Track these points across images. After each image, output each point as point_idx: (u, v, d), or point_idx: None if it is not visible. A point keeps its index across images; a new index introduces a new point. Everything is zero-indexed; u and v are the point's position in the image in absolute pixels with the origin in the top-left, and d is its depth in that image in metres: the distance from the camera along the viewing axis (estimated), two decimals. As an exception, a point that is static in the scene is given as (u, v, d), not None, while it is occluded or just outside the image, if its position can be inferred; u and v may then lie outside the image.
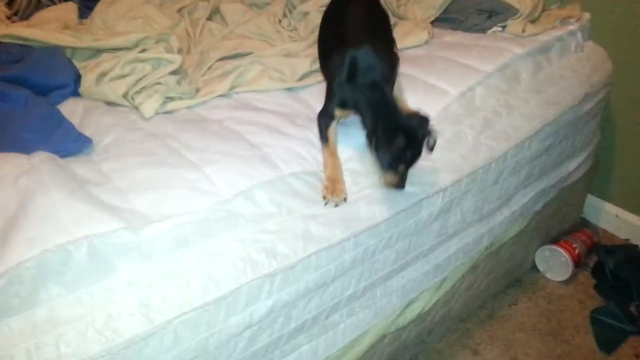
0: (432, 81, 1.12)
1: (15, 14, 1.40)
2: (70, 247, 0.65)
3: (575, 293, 1.48)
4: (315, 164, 0.89)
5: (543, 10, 1.41)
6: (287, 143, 0.90)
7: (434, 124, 0.91)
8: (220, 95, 1.08)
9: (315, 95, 1.08)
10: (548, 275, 1.52)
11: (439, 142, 0.97)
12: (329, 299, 0.93)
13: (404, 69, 1.17)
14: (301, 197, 0.83)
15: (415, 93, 1.06)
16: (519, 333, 1.36)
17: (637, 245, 1.55)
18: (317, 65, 1.13)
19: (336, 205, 0.85)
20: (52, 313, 0.65)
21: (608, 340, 1.33)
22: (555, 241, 1.51)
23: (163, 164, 0.84)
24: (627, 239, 1.62)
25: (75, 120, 0.95)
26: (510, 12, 1.36)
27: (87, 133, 0.91)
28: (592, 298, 1.46)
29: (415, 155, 0.87)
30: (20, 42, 1.15)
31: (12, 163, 0.76)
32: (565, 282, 1.50)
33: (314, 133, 0.94)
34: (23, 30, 1.18)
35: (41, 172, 0.74)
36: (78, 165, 0.82)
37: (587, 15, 1.40)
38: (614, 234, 1.67)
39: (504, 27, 1.36)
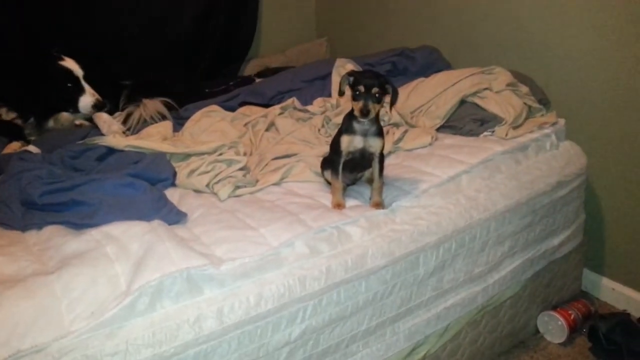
0: (428, 170, 1.48)
1: (128, 129, 1.92)
2: (176, 274, 1.04)
3: (572, 353, 1.69)
4: (336, 221, 1.25)
5: (527, 118, 1.79)
6: (317, 212, 1.27)
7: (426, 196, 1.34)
8: (273, 184, 1.49)
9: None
10: (547, 338, 1.75)
11: (431, 208, 1.33)
12: (348, 330, 1.25)
13: (407, 162, 1.56)
14: (327, 242, 1.20)
15: (411, 176, 1.44)
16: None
17: (629, 314, 1.75)
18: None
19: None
20: (162, 316, 1.02)
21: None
22: (554, 308, 1.76)
23: (232, 227, 1.22)
24: (625, 310, 1.83)
25: (174, 202, 1.37)
26: (497, 120, 1.74)
27: (182, 210, 1.33)
28: (587, 358, 1.66)
29: (370, 84, 1.21)
30: (136, 149, 1.63)
31: (139, 226, 1.17)
32: (564, 344, 1.72)
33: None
34: (137, 142, 1.65)
35: (158, 231, 1.15)
36: (178, 230, 1.22)
37: (561, 121, 1.76)
38: (613, 306, 1.88)
39: (492, 132, 1.74)
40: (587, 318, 1.76)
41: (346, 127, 1.31)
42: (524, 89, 1.85)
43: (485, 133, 1.73)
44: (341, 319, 1.23)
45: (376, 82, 1.23)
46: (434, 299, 1.40)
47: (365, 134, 1.30)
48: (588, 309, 1.78)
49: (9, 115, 1.85)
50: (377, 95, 1.22)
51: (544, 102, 1.88)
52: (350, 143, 1.30)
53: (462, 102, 1.83)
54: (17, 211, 1.25)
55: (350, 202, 1.36)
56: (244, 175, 1.49)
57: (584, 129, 1.84)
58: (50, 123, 1.91)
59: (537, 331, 1.78)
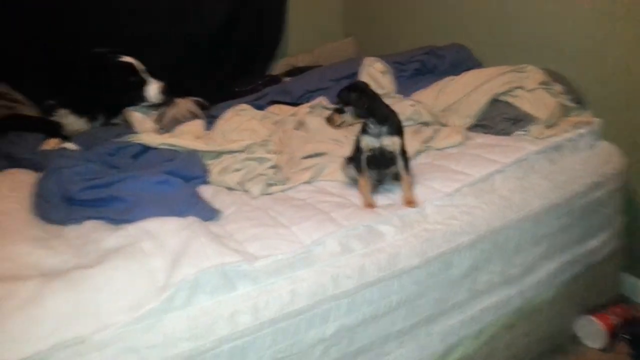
0: (459, 168, 1.46)
1: (162, 128, 1.95)
2: (212, 270, 1.05)
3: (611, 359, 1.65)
4: (368, 220, 1.25)
5: (561, 117, 1.75)
6: (348, 211, 1.27)
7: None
8: (304, 183, 1.49)
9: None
10: (585, 343, 1.70)
11: (464, 208, 1.33)
12: (382, 330, 1.24)
13: (438, 161, 1.54)
14: (359, 241, 1.20)
15: (443, 175, 1.43)
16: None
17: (671, 319, 1.70)
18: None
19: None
20: (199, 310, 1.03)
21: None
22: (592, 312, 1.72)
23: (265, 225, 1.23)
24: (666, 315, 1.78)
25: (207, 198, 1.39)
26: (530, 119, 1.72)
27: (215, 206, 1.34)
28: (628, 365, 1.62)
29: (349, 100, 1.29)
30: (170, 147, 1.66)
31: (175, 223, 1.18)
32: (604, 350, 1.67)
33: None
34: (171, 140, 1.68)
35: (193, 227, 1.16)
36: (212, 226, 1.23)
37: (597, 121, 1.72)
38: (654, 311, 1.83)
39: (525, 131, 1.71)
40: (627, 323, 1.71)
41: (363, 127, 1.36)
42: (558, 87, 1.82)
43: (518, 132, 1.70)
44: (375, 318, 1.22)
45: (339, 95, 1.31)
46: (468, 300, 1.38)
47: (377, 135, 1.33)
48: (628, 313, 1.73)
49: (67, 118, 1.90)
50: (339, 107, 1.31)
51: (579, 102, 1.84)
52: (368, 142, 1.35)
53: (494, 101, 1.81)
54: (58, 206, 1.28)
55: (382, 201, 1.35)
56: (275, 174, 1.50)
57: (625, 130, 1.79)
58: (117, 119, 1.96)
59: (575, 335, 1.74)
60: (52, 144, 1.69)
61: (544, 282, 1.54)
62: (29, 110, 2.01)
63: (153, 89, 1.95)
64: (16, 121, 1.88)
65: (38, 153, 1.64)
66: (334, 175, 1.52)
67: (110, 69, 1.92)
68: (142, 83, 1.95)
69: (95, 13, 2.33)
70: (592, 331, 1.70)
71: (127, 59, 1.95)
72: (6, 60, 2.14)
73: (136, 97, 1.96)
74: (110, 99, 1.92)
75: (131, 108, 1.96)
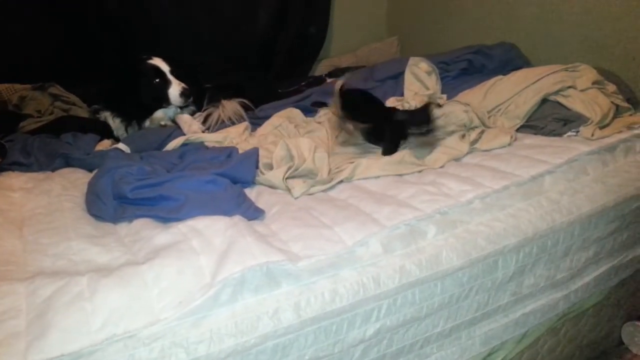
0: (509, 170, 1.42)
1: (208, 129, 2.01)
2: (257, 268, 1.07)
3: (662, 368, 1.58)
4: (410, 218, 1.24)
5: (614, 117, 1.69)
6: (389, 209, 1.26)
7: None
8: (344, 183, 1.49)
9: (413, 179, 1.46)
10: (633, 350, 1.65)
11: (509, 210, 1.31)
12: (422, 332, 1.24)
13: (486, 162, 1.51)
14: (400, 241, 1.19)
15: (490, 174, 1.40)
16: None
17: None
18: (413, 158, 1.53)
19: None
20: (243, 307, 1.05)
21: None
22: (639, 318, 1.65)
23: (308, 225, 1.25)
24: None
25: (252, 198, 1.42)
26: (582, 120, 1.66)
27: (260, 206, 1.37)
28: (679, 374, 1.55)
29: None
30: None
31: (221, 222, 1.22)
32: (653, 358, 1.61)
33: (411, 203, 1.31)
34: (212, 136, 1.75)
35: (239, 226, 1.19)
36: (257, 226, 1.26)
37: (653, 122, 1.65)
38: None
39: (577, 132, 1.66)
40: (680, 332, 1.64)
41: None
42: (611, 87, 1.76)
43: (569, 133, 1.65)
44: (416, 320, 1.22)
45: None
46: (512, 304, 1.35)
47: None
48: (681, 322, 1.65)
49: (114, 122, 1.98)
50: None
51: (633, 102, 1.77)
52: None
53: (544, 101, 1.76)
54: (110, 204, 1.33)
55: (422, 196, 1.34)
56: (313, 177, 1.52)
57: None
58: (147, 123, 2.03)
59: (621, 342, 1.68)
60: (105, 144, 1.77)
61: (591, 286, 1.49)
62: (82, 112, 2.11)
63: (173, 92, 1.97)
64: (71, 122, 1.98)
65: (92, 153, 1.71)
66: (369, 171, 1.50)
67: (138, 72, 1.98)
68: (166, 86, 1.98)
69: (148, 17, 2.42)
70: (639, 338, 1.63)
71: (156, 61, 1.99)
72: (58, 62, 2.25)
73: (162, 100, 2.00)
74: (139, 102, 1.98)
75: (160, 111, 2.02)
